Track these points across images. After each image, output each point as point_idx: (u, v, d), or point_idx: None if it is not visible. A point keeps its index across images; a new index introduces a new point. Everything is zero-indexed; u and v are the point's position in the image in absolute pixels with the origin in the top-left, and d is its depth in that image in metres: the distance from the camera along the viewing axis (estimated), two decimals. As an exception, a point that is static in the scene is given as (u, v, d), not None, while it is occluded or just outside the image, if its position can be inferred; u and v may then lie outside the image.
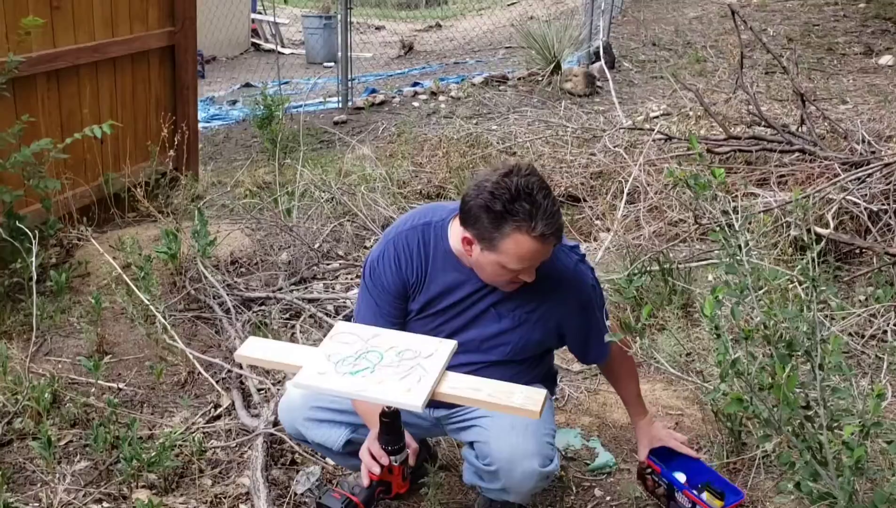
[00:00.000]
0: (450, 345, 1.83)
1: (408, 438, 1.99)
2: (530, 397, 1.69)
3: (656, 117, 6.21)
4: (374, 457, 1.96)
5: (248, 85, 10.76)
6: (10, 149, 3.51)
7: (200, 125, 7.67)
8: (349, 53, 8.13)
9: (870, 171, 3.82)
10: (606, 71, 8.05)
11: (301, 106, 8.48)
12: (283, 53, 13.65)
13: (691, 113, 5.99)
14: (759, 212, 3.68)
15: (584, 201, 4.60)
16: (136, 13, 4.51)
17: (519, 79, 8.27)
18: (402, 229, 2.14)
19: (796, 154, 4.63)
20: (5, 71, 3.48)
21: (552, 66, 8.01)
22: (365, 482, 1.96)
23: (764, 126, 5.04)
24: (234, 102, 9.32)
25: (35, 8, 3.84)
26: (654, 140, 4.94)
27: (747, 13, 12.80)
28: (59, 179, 3.86)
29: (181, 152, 4.77)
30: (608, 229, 4.18)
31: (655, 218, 4.12)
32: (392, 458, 1.94)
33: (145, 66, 4.68)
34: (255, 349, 1.88)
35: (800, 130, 5.02)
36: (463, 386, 1.73)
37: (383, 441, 1.94)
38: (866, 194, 3.76)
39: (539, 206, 1.85)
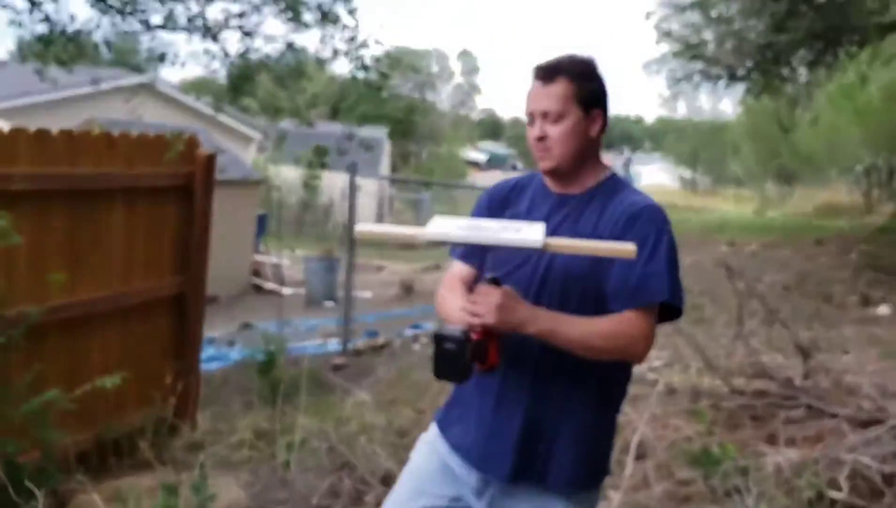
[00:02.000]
0: (541, 224, 1.92)
1: None
2: (622, 244, 1.84)
3: (657, 367, 6.23)
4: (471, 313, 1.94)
5: (247, 325, 10.90)
6: (19, 398, 3.49)
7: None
8: (352, 296, 8.33)
9: (880, 432, 3.76)
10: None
11: (301, 348, 8.56)
12: (283, 294, 14.01)
13: (693, 364, 6.00)
14: (770, 475, 3.58)
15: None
16: (151, 264, 4.68)
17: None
18: None
19: (803, 409, 4.60)
20: (23, 323, 3.55)
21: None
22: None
23: (768, 380, 5.04)
24: (232, 343, 9.40)
25: (56, 261, 4.00)
26: (658, 392, 4.92)
27: (742, 261, 13.29)
28: (62, 427, 3.81)
29: (182, 399, 4.75)
30: (617, 487, 4.05)
31: (664, 477, 4.00)
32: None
33: (155, 313, 4.78)
34: (373, 229, 2.18)
35: (804, 383, 5.02)
36: (565, 242, 1.89)
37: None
38: (878, 455, 3.68)
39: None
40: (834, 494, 3.41)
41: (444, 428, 2.20)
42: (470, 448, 2.11)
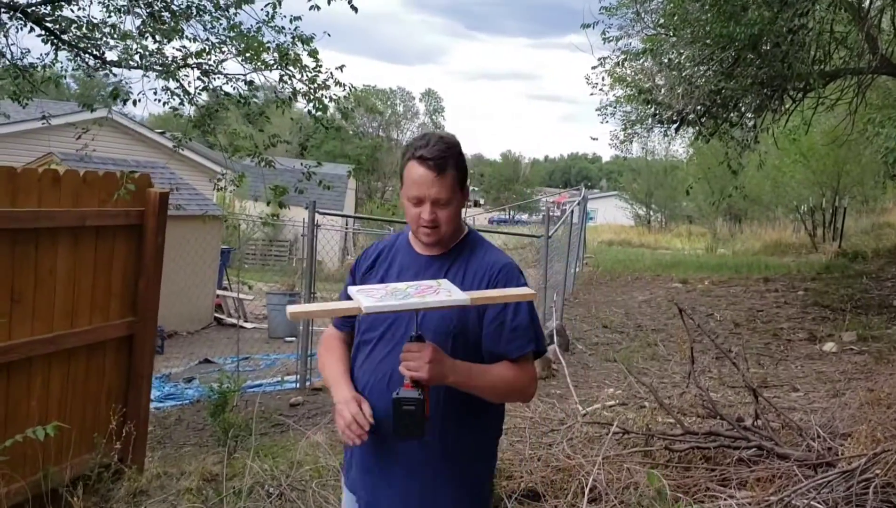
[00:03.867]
0: (445, 281, 2.22)
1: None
2: (523, 288, 2.27)
3: (612, 406, 6.24)
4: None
5: (206, 361, 10.74)
6: (-56, 448, 3.35)
7: (153, 405, 7.52)
8: (311, 333, 8.22)
9: (830, 475, 3.80)
10: (560, 355, 8.22)
11: (258, 386, 8.42)
12: (245, 328, 13.82)
13: (647, 404, 6.03)
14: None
15: (545, 498, 4.45)
16: (97, 304, 4.56)
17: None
18: None
19: (754, 450, 4.63)
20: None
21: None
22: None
23: (719, 419, 5.07)
24: (190, 380, 9.23)
25: (-5, 302, 3.88)
26: (612, 433, 4.91)
27: (694, 297, 13.49)
28: (-6, 477, 3.67)
29: (127, 444, 4.61)
30: (570, 533, 4.01)
31: (618, 521, 3.98)
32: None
33: (101, 355, 4.65)
34: (303, 309, 2.38)
35: (755, 423, 5.06)
36: (481, 294, 2.20)
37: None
38: (829, 500, 3.71)
39: (427, 141, 2.29)
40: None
41: (345, 475, 2.51)
42: (359, 492, 2.40)
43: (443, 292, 2.12)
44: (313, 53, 7.08)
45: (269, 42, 6.91)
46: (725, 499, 3.91)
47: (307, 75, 6.92)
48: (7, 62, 7.14)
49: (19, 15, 6.49)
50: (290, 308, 2.16)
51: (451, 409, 2.29)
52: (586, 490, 4.13)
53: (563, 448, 4.87)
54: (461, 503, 2.36)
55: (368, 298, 2.11)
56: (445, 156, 2.28)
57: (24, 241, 4.05)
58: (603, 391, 7.03)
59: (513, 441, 5.17)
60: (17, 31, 6.89)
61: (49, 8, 6.77)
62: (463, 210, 2.43)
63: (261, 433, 6.15)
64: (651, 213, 47.78)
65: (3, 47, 6.83)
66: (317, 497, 4.27)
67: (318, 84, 6.96)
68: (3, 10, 6.43)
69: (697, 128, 11.36)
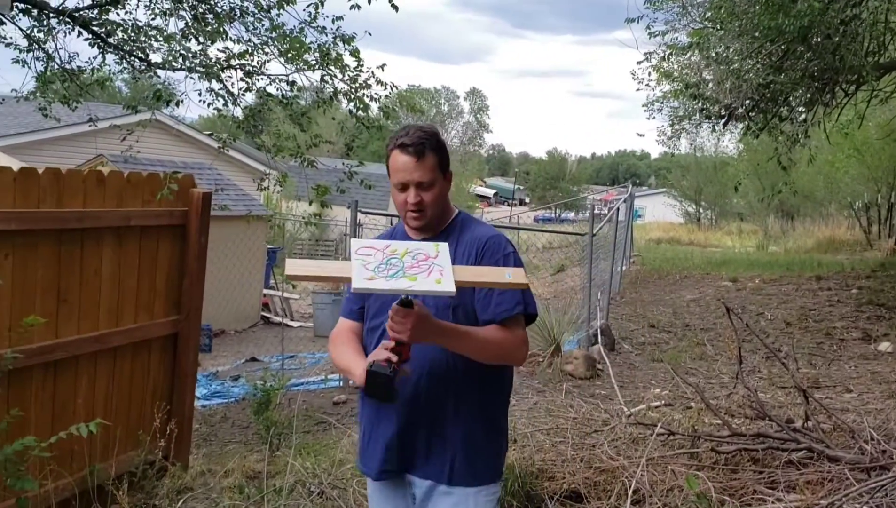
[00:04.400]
0: (444, 245, 2.30)
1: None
2: (517, 273, 2.33)
3: (658, 407, 6.14)
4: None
5: (253, 359, 10.87)
6: (-7, 445, 3.42)
7: (200, 403, 7.64)
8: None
9: (884, 479, 3.66)
10: (605, 355, 8.12)
11: (302, 384, 8.48)
12: (291, 327, 13.97)
13: (693, 405, 5.91)
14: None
15: (587, 499, 4.39)
16: (142, 303, 4.63)
17: (520, 360, 8.32)
18: None
19: (804, 452, 4.50)
20: (1, 366, 3.48)
21: (552, 347, 8.10)
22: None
23: (768, 421, 4.94)
24: (237, 378, 9.34)
25: (42, 301, 3.95)
26: (657, 434, 4.82)
27: (744, 296, 13.22)
28: (43, 472, 3.73)
29: (172, 441, 4.66)
30: (613, 535, 3.95)
31: (662, 523, 3.90)
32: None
33: (146, 353, 4.72)
34: (300, 267, 2.28)
35: (805, 425, 4.92)
36: (469, 276, 2.30)
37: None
38: (881, 505, 3.58)
39: (407, 131, 2.47)
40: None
41: (362, 464, 2.64)
42: (385, 469, 2.53)
43: (435, 270, 2.24)
44: (354, 53, 7.11)
45: (311, 42, 6.95)
46: (773, 502, 3.81)
47: (348, 75, 6.94)
48: (56, 66, 7.31)
49: (67, 19, 6.62)
50: (289, 267, 2.27)
51: (459, 374, 2.44)
52: (629, 492, 4.06)
53: (606, 450, 4.80)
54: (473, 435, 2.48)
55: (363, 270, 2.23)
56: (424, 141, 2.46)
57: (70, 241, 4.12)
58: (649, 392, 6.92)
59: (555, 442, 5.11)
60: (66, 36, 7.05)
61: (96, 12, 6.90)
62: (449, 193, 2.60)
63: (304, 431, 6.19)
64: (700, 210, 47.04)
65: (52, 51, 6.98)
66: (357, 495, 4.26)
67: (360, 83, 6.98)
68: (51, 14, 6.58)
69: (746, 123, 11.10)
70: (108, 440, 4.39)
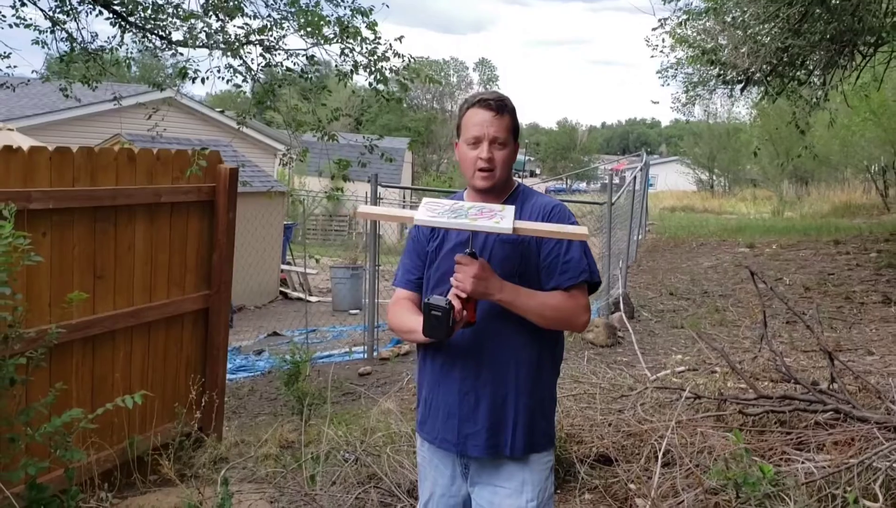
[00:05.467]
0: (510, 207, 2.36)
1: None
2: (578, 227, 2.41)
3: (681, 372, 6.18)
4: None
5: (275, 334, 10.98)
6: (40, 418, 3.51)
7: (227, 377, 7.74)
8: (377, 306, 8.31)
9: (912, 437, 3.70)
10: (626, 322, 8.16)
11: (327, 356, 8.58)
12: (310, 302, 14.06)
13: (717, 370, 5.95)
14: (802, 484, 3.53)
15: (617, 462, 4.46)
16: (174, 279, 4.70)
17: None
18: None
19: (831, 413, 4.54)
20: (45, 342, 3.56)
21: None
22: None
23: (793, 383, 4.99)
24: (260, 352, 9.45)
25: (80, 278, 4.02)
26: (685, 398, 4.87)
27: (762, 262, 13.20)
28: (85, 444, 3.82)
29: (207, 413, 4.76)
30: (645, 496, 4.01)
31: (692, 485, 3.96)
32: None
33: (179, 328, 4.80)
34: (371, 210, 2.61)
35: (831, 387, 4.96)
36: (529, 226, 2.36)
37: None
38: (911, 462, 3.62)
39: (485, 92, 2.52)
40: (869, 504, 3.35)
41: (420, 430, 2.63)
42: (445, 437, 2.52)
43: (497, 216, 2.30)
44: (371, 26, 7.09)
45: (328, 16, 6.94)
46: (803, 462, 3.85)
47: (367, 48, 6.94)
48: (78, 46, 7.33)
49: (89, -1, 6.64)
50: (360, 209, 2.50)
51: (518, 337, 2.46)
52: (660, 455, 4.11)
53: (634, 414, 4.86)
54: (530, 412, 2.49)
55: (428, 212, 2.34)
56: (503, 100, 2.49)
57: (104, 218, 4.18)
58: (671, 358, 6.97)
59: (582, 407, 5.17)
60: (87, 15, 7.06)
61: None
62: (513, 164, 2.59)
63: (333, 401, 6.28)
64: (714, 177, 46.76)
65: (73, 31, 7.01)
66: (391, 461, 4.34)
67: (378, 56, 6.97)
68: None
69: (764, 87, 11.03)
70: (146, 413, 4.49)
